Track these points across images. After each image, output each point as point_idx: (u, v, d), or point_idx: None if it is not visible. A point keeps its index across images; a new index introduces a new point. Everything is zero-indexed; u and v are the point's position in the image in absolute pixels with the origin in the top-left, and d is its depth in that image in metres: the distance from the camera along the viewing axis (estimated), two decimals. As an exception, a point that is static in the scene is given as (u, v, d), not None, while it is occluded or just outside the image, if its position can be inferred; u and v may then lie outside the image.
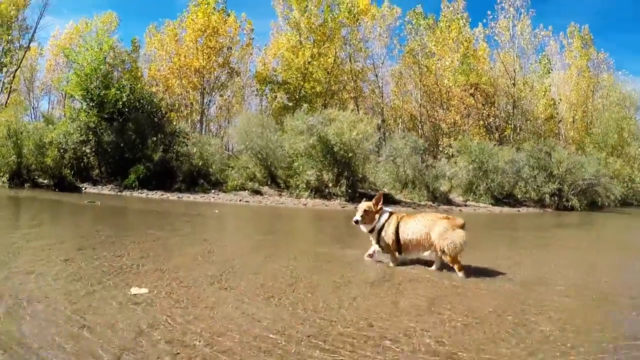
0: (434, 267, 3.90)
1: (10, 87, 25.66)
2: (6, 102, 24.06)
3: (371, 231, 4.06)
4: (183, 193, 14.23)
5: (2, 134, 14.42)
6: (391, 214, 4.08)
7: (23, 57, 25.46)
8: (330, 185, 14.96)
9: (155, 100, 17.46)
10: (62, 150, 14.69)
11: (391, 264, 4.00)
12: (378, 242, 4.06)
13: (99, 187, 14.83)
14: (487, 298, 3.10)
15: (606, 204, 20.23)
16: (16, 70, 25.56)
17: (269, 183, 16.18)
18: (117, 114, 15.80)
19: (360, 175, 15.95)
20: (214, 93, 27.10)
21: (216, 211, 10.13)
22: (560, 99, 32.59)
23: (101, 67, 16.07)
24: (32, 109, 29.34)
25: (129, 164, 14.83)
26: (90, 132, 15.58)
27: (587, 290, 3.55)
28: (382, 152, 18.54)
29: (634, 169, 28.54)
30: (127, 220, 8.06)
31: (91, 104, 15.76)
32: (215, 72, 26.09)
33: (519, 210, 17.45)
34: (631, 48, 62.23)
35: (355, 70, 28.01)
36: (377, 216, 4.03)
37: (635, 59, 60.59)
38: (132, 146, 15.23)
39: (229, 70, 26.86)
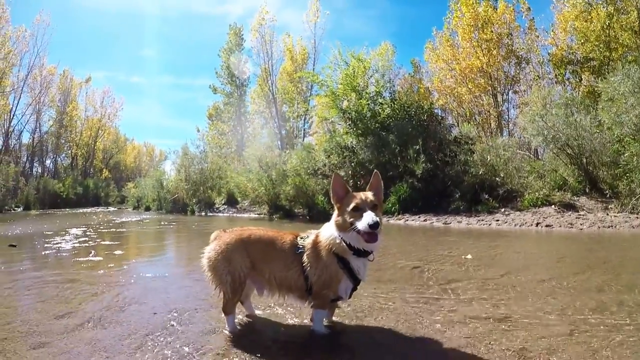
0: None
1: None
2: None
3: None
4: (457, 215, 10.46)
5: (254, 167, 15.57)
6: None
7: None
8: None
9: (422, 104, 14.94)
10: (307, 176, 13.90)
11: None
12: None
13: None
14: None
15: None
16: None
17: (586, 191, 10.30)
18: (378, 129, 14.17)
19: None
20: (507, 91, 23.03)
21: (469, 256, 5.23)
22: None
23: (355, 82, 14.97)
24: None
25: (393, 183, 12.43)
26: (346, 151, 14.31)
27: None
28: None
29: None
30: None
31: (348, 122, 14.88)
32: (502, 67, 22.26)
33: None
34: None
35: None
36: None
37: None
38: (394, 160, 12.98)
39: (516, 61, 22.18)
